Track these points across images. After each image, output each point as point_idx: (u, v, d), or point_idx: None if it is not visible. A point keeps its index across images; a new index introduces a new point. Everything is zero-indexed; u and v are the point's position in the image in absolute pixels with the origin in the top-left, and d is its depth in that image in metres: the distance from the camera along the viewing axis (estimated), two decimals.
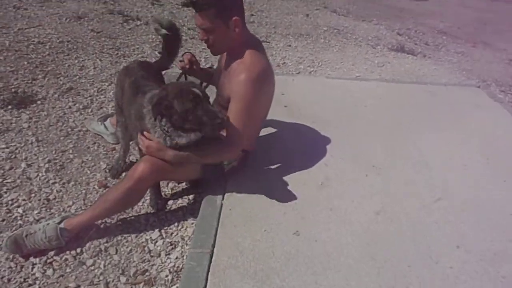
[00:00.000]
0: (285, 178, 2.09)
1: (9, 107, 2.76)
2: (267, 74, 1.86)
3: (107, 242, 1.80)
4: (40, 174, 2.18)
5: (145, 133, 1.73)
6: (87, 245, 1.77)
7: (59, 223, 1.70)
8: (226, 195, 1.95)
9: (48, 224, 1.70)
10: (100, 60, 3.73)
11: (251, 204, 1.90)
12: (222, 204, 1.89)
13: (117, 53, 3.93)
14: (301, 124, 2.65)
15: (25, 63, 3.49)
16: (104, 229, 1.86)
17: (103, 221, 1.89)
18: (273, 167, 2.19)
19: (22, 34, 4.10)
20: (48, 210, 1.95)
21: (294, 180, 2.09)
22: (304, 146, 2.41)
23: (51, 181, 2.15)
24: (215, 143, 1.79)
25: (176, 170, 1.80)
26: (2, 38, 3.93)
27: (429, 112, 2.99)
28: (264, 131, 2.52)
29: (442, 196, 2.08)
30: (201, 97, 1.61)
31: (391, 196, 2.05)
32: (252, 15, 6.03)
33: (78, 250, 1.74)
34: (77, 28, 4.52)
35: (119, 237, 1.83)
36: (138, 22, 4.95)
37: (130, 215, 1.97)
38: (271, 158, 2.25)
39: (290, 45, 4.74)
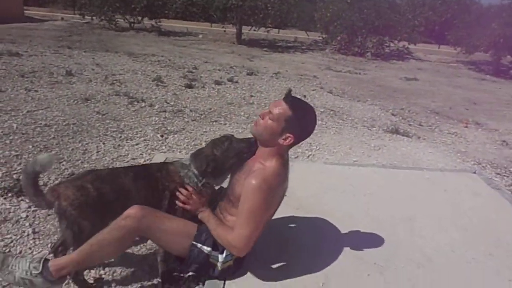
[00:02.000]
0: (284, 279, 2.03)
1: (9, 195, 2.77)
2: (280, 181, 1.88)
3: None
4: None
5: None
6: None
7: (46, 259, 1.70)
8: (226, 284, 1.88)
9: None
10: (104, 143, 3.83)
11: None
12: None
13: (121, 136, 4.04)
14: (300, 216, 2.64)
15: (30, 146, 3.58)
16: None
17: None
18: (272, 265, 2.13)
19: (30, 117, 4.26)
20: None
21: (293, 282, 2.03)
22: (303, 241, 2.38)
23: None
24: (228, 233, 1.82)
25: (168, 229, 1.81)
26: (11, 121, 4.08)
27: (428, 201, 3.00)
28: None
29: None
30: (230, 135, 2.05)
31: None
32: (252, 96, 6.32)
33: None
34: (83, 110, 4.71)
35: None
36: (143, 104, 5.16)
37: None
38: (269, 254, 2.21)
39: None
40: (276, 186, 1.82)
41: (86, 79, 6.09)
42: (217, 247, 1.88)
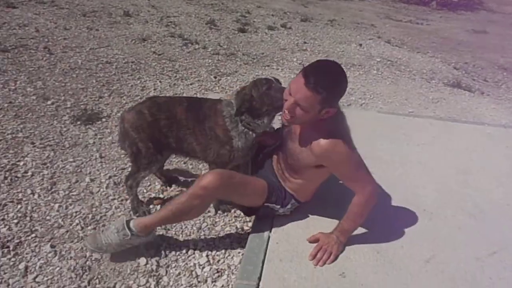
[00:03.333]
0: (332, 216, 2.10)
1: (78, 122, 3.01)
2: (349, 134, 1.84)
3: (158, 263, 1.89)
4: (102, 190, 2.35)
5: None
6: (141, 265, 1.86)
7: (128, 220, 1.84)
8: (273, 228, 1.98)
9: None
10: (160, 81, 3.97)
11: (297, 240, 1.92)
12: (269, 237, 1.92)
13: (176, 76, 4.16)
14: None
15: (94, 81, 3.79)
16: (156, 250, 1.95)
17: (152, 242, 1.99)
18: (321, 203, 2.19)
19: (93, 54, 4.47)
20: (105, 225, 2.09)
21: (341, 219, 2.08)
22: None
23: (110, 197, 2.30)
24: (358, 205, 1.84)
25: (243, 194, 1.89)
26: (76, 57, 4.30)
27: (487, 156, 2.87)
28: None
29: (498, 250, 1.98)
30: (272, 80, 1.92)
31: (443, 244, 1.99)
32: (305, 42, 6.14)
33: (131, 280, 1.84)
34: (141, 49, 4.85)
35: (169, 259, 1.92)
36: (197, 46, 5.21)
37: (181, 238, 2.06)
38: (319, 194, 2.26)
39: None
40: (350, 139, 1.80)
41: (143, 20, 6.19)
42: (284, 204, 2.00)
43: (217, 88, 3.94)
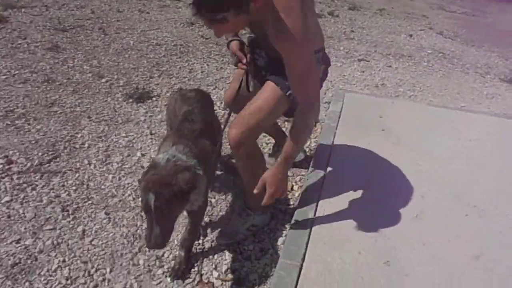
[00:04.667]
0: (379, 204, 2.08)
1: (130, 100, 3.14)
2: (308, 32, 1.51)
3: (203, 236, 1.96)
4: None
5: None
6: None
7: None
8: (318, 211, 1.99)
9: None
10: (207, 64, 4.04)
11: (342, 224, 1.92)
12: (313, 220, 1.94)
13: (223, 60, 4.21)
14: (399, 151, 2.58)
15: (145, 62, 3.92)
16: (207, 226, 2.02)
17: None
18: (367, 191, 2.17)
19: (144, 36, 4.61)
20: None
21: (388, 208, 2.06)
22: (400, 174, 2.35)
23: None
24: (298, 121, 1.61)
25: (268, 114, 1.72)
26: (128, 38, 4.46)
27: None
28: (360, 154, 2.52)
29: None
30: None
31: (494, 242, 1.92)
32: (353, 31, 6.01)
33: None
34: (189, 33, 4.94)
35: (215, 234, 1.98)
36: (243, 31, 5.22)
37: (226, 216, 2.12)
38: (366, 182, 2.24)
39: (390, 66, 4.63)
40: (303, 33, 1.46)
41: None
42: None
43: None
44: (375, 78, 4.21)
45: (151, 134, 2.75)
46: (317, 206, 2.03)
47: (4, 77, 3.28)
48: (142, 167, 2.42)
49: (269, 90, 1.73)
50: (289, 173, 2.47)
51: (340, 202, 2.08)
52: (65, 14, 4.95)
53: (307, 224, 1.91)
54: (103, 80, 3.42)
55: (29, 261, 1.74)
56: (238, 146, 1.71)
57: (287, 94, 1.69)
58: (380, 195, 2.16)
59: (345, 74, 4.23)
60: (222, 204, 2.21)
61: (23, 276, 1.68)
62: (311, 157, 2.59)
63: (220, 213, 2.14)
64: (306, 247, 1.78)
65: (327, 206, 2.04)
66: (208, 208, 2.05)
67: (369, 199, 2.12)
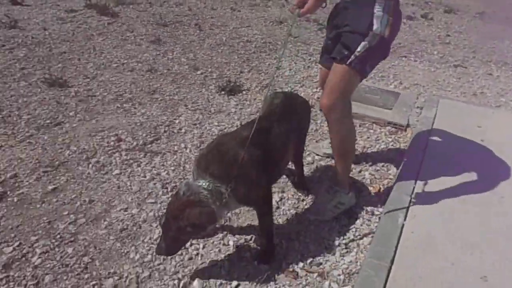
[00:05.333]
0: (476, 215, 1.96)
1: (222, 92, 3.31)
2: None
3: (289, 229, 2.01)
4: None
5: None
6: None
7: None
8: (408, 216, 1.94)
9: None
10: (295, 63, 4.10)
11: (434, 232, 1.85)
12: (403, 225, 1.89)
13: (310, 59, 4.24)
14: (500, 163, 2.40)
15: (236, 57, 4.10)
16: (293, 217, 2.08)
17: (290, 209, 2.12)
18: (463, 201, 2.06)
19: (235, 32, 4.82)
20: None
21: (486, 220, 1.93)
22: (501, 186, 2.19)
23: None
24: None
25: (344, 93, 1.89)
26: (221, 34, 4.70)
27: None
28: (456, 162, 2.38)
29: None
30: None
31: None
32: (448, 35, 5.65)
33: None
34: (277, 31, 5.05)
35: (300, 226, 2.03)
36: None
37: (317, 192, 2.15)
38: (462, 191, 2.12)
39: (491, 74, 4.27)
40: None
41: (280, 4, 6.41)
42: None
43: None
44: (473, 85, 3.92)
45: (241, 125, 2.88)
46: (407, 210, 1.98)
47: (115, 65, 3.66)
48: None
49: (335, 70, 1.85)
50: (377, 175, 2.44)
51: (433, 209, 1.99)
52: (166, 10, 5.36)
53: (396, 227, 1.87)
54: (198, 72, 3.65)
55: (134, 228, 1.95)
56: (328, 113, 1.90)
57: (348, 63, 1.78)
58: (477, 205, 2.03)
59: (439, 79, 4.00)
60: (312, 180, 2.32)
61: (130, 240, 1.88)
62: (399, 161, 2.52)
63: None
64: (395, 250, 1.75)
65: (418, 212, 1.97)
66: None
67: (465, 209, 2.00)
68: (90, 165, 2.35)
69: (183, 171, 2.37)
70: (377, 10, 1.75)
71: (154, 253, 1.76)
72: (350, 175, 2.18)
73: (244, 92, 3.38)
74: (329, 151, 2.49)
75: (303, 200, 2.21)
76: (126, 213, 2.03)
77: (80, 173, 2.29)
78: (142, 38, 4.34)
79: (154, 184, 2.24)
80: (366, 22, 1.75)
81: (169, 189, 2.21)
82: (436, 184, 2.19)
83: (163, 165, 2.41)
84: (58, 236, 1.87)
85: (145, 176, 2.30)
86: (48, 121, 2.74)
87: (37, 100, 2.97)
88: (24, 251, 1.78)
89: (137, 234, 1.92)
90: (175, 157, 2.49)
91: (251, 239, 1.93)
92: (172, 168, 2.39)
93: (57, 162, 2.35)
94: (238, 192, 1.58)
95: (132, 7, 5.32)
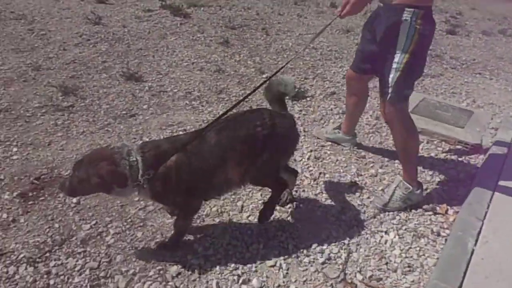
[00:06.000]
0: None
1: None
2: None
3: (349, 238, 1.99)
4: (304, 160, 2.58)
5: None
6: (332, 235, 2.00)
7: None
8: (479, 241, 1.84)
9: None
10: None
11: (508, 262, 1.73)
12: (473, 250, 1.79)
13: None
14: None
15: (301, 63, 4.12)
16: (354, 229, 2.06)
17: (352, 220, 2.10)
18: None
19: (301, 39, 4.84)
20: (300, 191, 2.30)
21: None
22: None
23: (310, 167, 2.51)
24: None
25: None
26: (287, 39, 4.75)
27: None
28: None
29: None
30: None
31: None
32: None
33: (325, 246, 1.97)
34: (344, 40, 5.00)
35: (360, 239, 1.99)
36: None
37: (376, 223, 2.11)
38: None
39: None
40: None
41: None
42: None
43: (419, 87, 3.77)
44: None
45: (304, 131, 2.89)
46: (478, 235, 1.87)
47: (186, 64, 3.83)
48: (295, 160, 2.56)
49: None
50: (445, 195, 2.34)
51: (508, 236, 1.87)
52: (235, 14, 5.52)
53: (465, 252, 1.78)
54: (264, 76, 3.72)
55: (198, 221, 2.03)
56: (388, 122, 2.16)
57: (388, 100, 2.04)
58: None
59: None
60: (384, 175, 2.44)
61: (193, 231, 1.96)
62: (469, 182, 2.39)
63: (382, 182, 2.40)
64: (464, 275, 1.66)
65: (490, 238, 1.86)
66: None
67: None
68: None
69: None
70: (405, 17, 1.86)
71: (215, 248, 1.84)
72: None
73: (308, 98, 3.38)
74: (331, 135, 2.75)
75: (364, 212, 2.18)
76: None
77: None
78: (211, 39, 4.50)
79: None
80: (391, 37, 1.91)
81: None
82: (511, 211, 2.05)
83: None
84: (129, 219, 2.00)
85: None
86: (124, 112, 2.94)
87: (115, 92, 3.20)
88: (100, 230, 1.93)
89: (200, 227, 2.00)
90: None
91: (310, 246, 1.93)
92: None
93: None
94: (153, 187, 1.62)
95: (203, 9, 5.54)
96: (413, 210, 2.21)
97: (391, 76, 1.97)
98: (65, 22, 4.56)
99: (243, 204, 2.17)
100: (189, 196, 1.73)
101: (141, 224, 1.98)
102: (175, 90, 3.32)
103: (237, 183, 1.80)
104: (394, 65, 1.94)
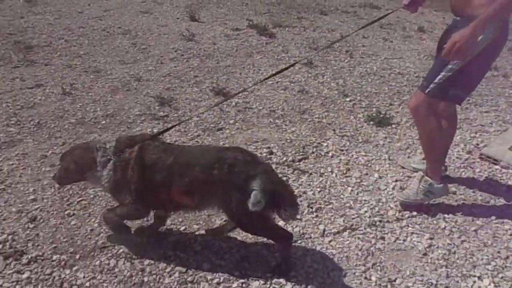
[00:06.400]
0: None
1: (371, 122, 3.28)
2: None
3: (436, 281, 1.88)
4: (388, 189, 2.50)
5: None
6: (416, 276, 1.90)
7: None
8: None
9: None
10: None
11: None
12: None
13: (469, 100, 3.90)
14: None
15: (386, 88, 4.03)
16: (436, 267, 1.95)
17: (433, 258, 1.99)
18: None
19: (387, 63, 4.74)
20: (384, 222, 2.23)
21: None
22: None
23: (395, 198, 2.42)
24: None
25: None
26: (372, 63, 4.68)
27: None
28: None
29: None
30: None
31: None
32: None
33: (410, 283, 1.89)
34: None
35: (447, 281, 1.87)
36: (495, 73, 4.71)
37: (466, 271, 1.97)
38: None
39: None
40: None
41: (436, 37, 6.07)
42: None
43: None
44: None
45: (389, 159, 2.81)
46: None
47: (270, 82, 3.95)
48: (379, 188, 2.50)
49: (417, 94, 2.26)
50: None
51: None
52: (319, 35, 5.58)
53: None
54: (348, 99, 3.70)
55: None
56: (413, 114, 2.26)
57: (426, 92, 2.12)
58: None
59: None
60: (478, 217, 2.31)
61: (274, 249, 1.99)
62: None
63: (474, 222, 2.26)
64: None
65: None
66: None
67: None
68: None
69: (328, 194, 2.42)
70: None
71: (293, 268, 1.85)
72: None
73: (393, 125, 3.29)
74: (418, 166, 2.61)
75: (455, 252, 2.04)
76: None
77: None
78: (295, 59, 4.59)
79: (301, 201, 2.33)
80: None
81: (313, 209, 2.28)
82: None
83: (309, 184, 2.50)
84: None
85: None
86: (212, 125, 3.11)
87: (204, 105, 3.40)
88: (188, 236, 2.05)
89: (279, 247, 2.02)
90: (321, 179, 2.56)
91: (394, 280, 1.86)
92: (318, 189, 2.46)
93: None
94: (112, 181, 1.79)
95: (288, 30, 5.68)
96: (511, 257, 2.03)
97: (441, 73, 2.03)
98: (163, 37, 4.97)
99: (325, 228, 2.16)
100: (133, 202, 1.81)
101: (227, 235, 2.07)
102: (260, 108, 3.44)
103: (174, 203, 1.81)
104: (450, 65, 1.99)
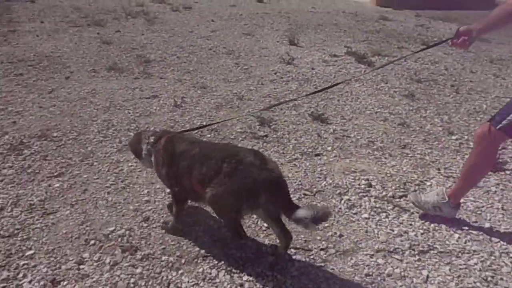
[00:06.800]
0: None
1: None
2: None
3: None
4: (502, 243, 2.27)
5: None
6: None
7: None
8: None
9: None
10: None
11: None
12: None
13: None
14: None
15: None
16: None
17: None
18: None
19: (498, 102, 4.37)
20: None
21: None
22: None
23: (510, 254, 2.19)
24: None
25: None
26: (480, 101, 4.38)
27: None
28: None
29: None
30: None
31: None
32: None
33: None
34: None
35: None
36: None
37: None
38: None
39: None
40: None
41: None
42: None
43: None
44: None
45: (503, 209, 2.56)
46: None
47: (369, 112, 3.88)
48: (491, 240, 2.29)
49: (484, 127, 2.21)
50: None
51: None
52: (420, 67, 5.36)
53: None
54: (453, 137, 3.48)
55: (379, 278, 1.98)
56: (476, 143, 2.24)
57: (498, 128, 2.09)
58: None
59: None
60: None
61: (371, 286, 1.92)
62: None
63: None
64: None
65: None
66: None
67: None
68: (342, 201, 2.54)
69: (432, 237, 2.28)
70: None
71: None
72: None
73: (507, 172, 3.00)
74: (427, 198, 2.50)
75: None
76: (372, 260, 2.09)
77: (333, 205, 2.51)
78: (395, 90, 4.46)
79: (402, 241, 2.23)
80: None
81: (415, 251, 2.16)
82: None
83: (410, 224, 2.38)
84: (312, 257, 2.09)
85: (392, 230, 2.32)
86: (309, 150, 3.14)
87: (303, 129, 3.45)
88: (286, 258, 2.06)
89: (380, 285, 1.94)
90: (423, 220, 2.42)
91: None
92: (421, 231, 2.32)
93: (315, 189, 2.65)
94: (155, 166, 2.17)
95: (387, 59, 5.55)
96: None
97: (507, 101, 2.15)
98: (263, 59, 5.19)
99: (429, 274, 2.03)
100: (174, 186, 2.10)
101: (322, 264, 2.05)
102: (358, 137, 3.39)
103: (194, 192, 2.03)
104: None
